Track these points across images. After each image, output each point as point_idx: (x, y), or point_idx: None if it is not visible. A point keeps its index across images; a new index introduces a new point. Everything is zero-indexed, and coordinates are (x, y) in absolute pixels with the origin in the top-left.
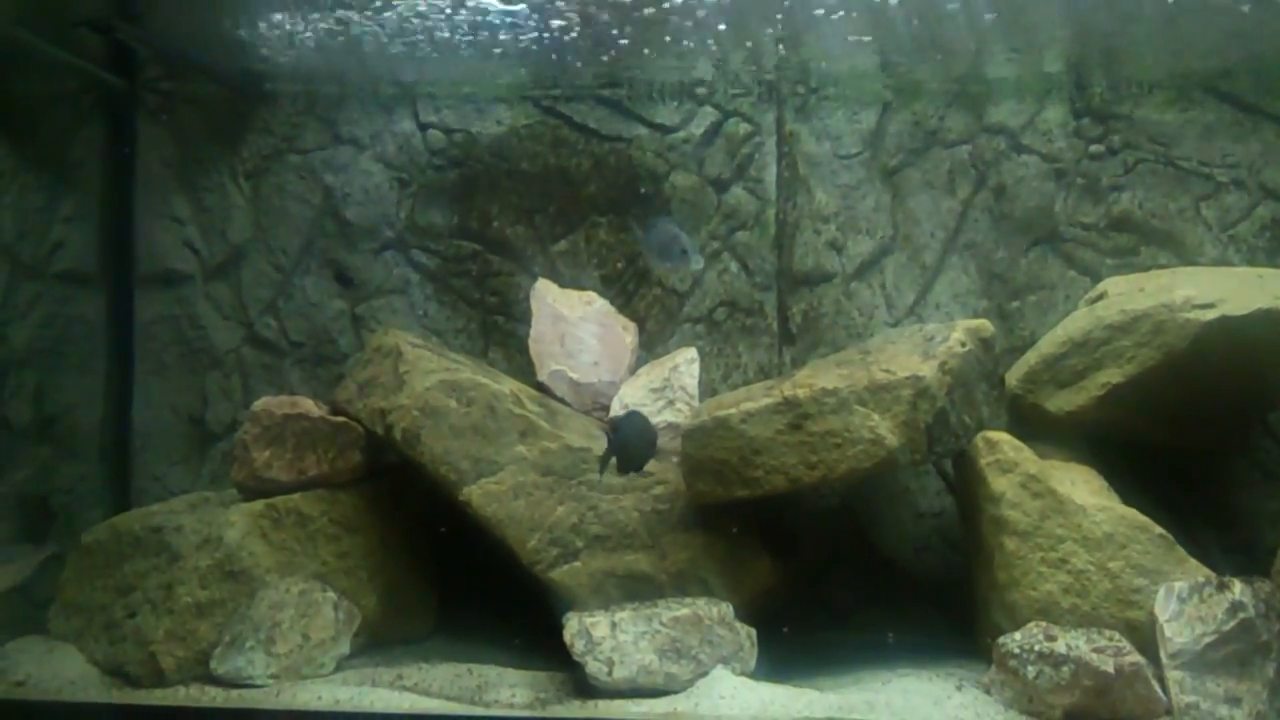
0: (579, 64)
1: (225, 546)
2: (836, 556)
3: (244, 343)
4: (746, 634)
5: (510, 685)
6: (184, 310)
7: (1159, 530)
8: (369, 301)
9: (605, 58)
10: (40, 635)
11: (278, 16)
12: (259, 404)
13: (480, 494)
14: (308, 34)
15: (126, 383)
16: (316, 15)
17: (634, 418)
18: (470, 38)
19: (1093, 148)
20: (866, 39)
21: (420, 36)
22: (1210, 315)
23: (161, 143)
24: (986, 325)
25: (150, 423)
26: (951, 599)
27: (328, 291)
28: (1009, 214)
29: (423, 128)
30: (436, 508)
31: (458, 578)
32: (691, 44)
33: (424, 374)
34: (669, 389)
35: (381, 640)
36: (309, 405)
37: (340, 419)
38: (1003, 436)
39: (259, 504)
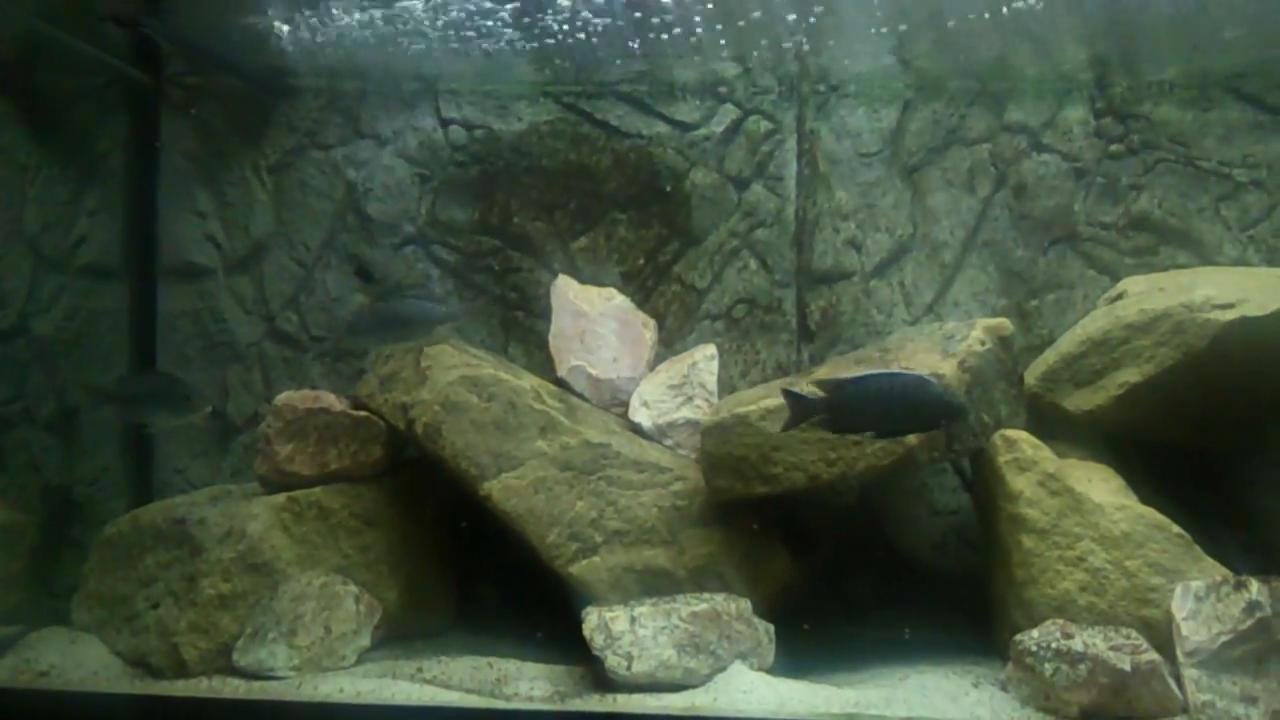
0: (600, 61)
1: (248, 539)
2: (854, 553)
3: (265, 336)
4: (764, 630)
5: (529, 678)
6: (206, 303)
7: (1176, 529)
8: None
9: (627, 55)
10: (63, 626)
11: (301, 12)
12: (281, 398)
13: (500, 489)
14: (330, 30)
15: None
16: (339, 11)
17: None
18: (492, 34)
19: (1113, 147)
20: (888, 37)
21: (442, 32)
22: (1230, 315)
23: (185, 137)
24: (1005, 324)
25: None
26: (968, 596)
27: (349, 286)
28: (1028, 213)
29: (444, 123)
30: (456, 502)
31: (477, 571)
32: (713, 41)
33: (445, 369)
34: (688, 385)
35: (402, 633)
36: (331, 399)
37: (362, 413)
38: (1021, 435)
39: (281, 497)
